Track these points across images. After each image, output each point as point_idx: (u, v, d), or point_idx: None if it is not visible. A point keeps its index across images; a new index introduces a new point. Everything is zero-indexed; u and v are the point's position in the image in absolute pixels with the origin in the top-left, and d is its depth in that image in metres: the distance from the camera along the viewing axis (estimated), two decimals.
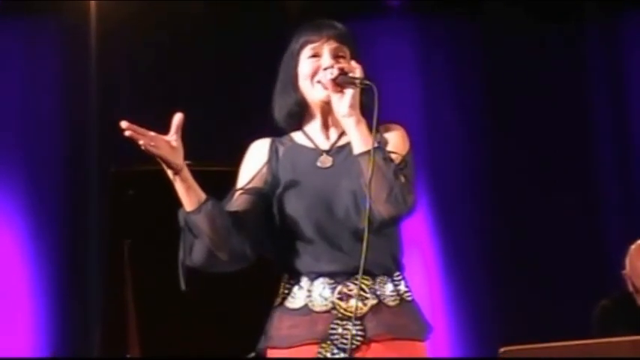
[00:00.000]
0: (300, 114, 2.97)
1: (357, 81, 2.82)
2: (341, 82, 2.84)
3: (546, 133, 6.35)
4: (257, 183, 2.92)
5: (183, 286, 2.83)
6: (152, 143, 2.72)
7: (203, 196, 2.80)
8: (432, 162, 6.17)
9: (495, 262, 6.22)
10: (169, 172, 2.78)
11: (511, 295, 6.11)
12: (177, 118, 2.78)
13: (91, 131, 5.98)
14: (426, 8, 6.41)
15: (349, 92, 2.82)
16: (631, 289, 4.47)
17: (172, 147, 2.76)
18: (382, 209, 2.74)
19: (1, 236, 5.89)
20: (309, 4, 5.91)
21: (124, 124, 2.71)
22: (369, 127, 2.81)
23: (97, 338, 4.25)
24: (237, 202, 2.89)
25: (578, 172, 6.36)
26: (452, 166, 6.34)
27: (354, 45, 2.96)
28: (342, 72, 2.84)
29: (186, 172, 2.78)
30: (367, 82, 2.81)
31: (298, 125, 2.99)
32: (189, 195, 2.78)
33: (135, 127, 2.71)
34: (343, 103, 2.82)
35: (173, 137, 2.77)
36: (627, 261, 4.50)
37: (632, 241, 4.58)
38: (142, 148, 2.72)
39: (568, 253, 6.15)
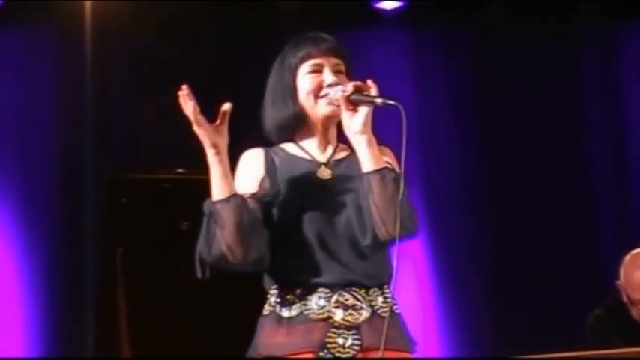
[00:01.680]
0: (295, 127, 2.97)
1: (380, 100, 2.79)
2: (355, 100, 2.82)
3: (543, 141, 6.35)
4: (259, 192, 2.90)
5: (199, 275, 2.79)
6: (199, 116, 2.74)
7: (235, 189, 2.79)
8: (425, 171, 6.15)
9: (489, 272, 6.20)
10: (209, 153, 2.77)
11: (506, 305, 6.09)
12: (227, 106, 2.79)
13: (87, 133, 5.96)
14: (422, 14, 6.39)
15: (364, 110, 2.80)
16: (625, 299, 4.47)
17: (217, 130, 2.77)
18: (391, 229, 2.75)
19: None
20: (307, 5, 5.89)
21: (184, 87, 2.74)
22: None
23: (91, 343, 4.27)
24: None
25: (574, 178, 6.36)
26: (446, 175, 6.33)
27: (349, 59, 2.97)
28: (357, 89, 2.82)
29: (226, 158, 2.78)
30: (392, 102, 2.79)
31: (288, 137, 2.99)
32: (222, 181, 2.77)
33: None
34: (356, 121, 2.81)
35: (219, 123, 2.78)
36: (621, 271, 4.48)
37: (628, 250, 4.57)
38: (191, 113, 2.74)
39: (563, 263, 6.14)
